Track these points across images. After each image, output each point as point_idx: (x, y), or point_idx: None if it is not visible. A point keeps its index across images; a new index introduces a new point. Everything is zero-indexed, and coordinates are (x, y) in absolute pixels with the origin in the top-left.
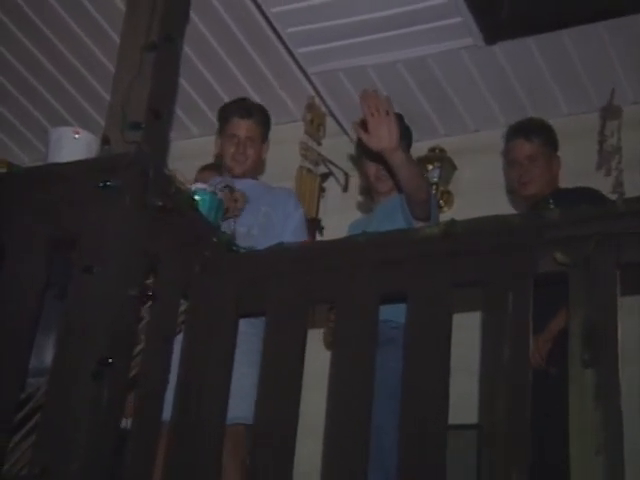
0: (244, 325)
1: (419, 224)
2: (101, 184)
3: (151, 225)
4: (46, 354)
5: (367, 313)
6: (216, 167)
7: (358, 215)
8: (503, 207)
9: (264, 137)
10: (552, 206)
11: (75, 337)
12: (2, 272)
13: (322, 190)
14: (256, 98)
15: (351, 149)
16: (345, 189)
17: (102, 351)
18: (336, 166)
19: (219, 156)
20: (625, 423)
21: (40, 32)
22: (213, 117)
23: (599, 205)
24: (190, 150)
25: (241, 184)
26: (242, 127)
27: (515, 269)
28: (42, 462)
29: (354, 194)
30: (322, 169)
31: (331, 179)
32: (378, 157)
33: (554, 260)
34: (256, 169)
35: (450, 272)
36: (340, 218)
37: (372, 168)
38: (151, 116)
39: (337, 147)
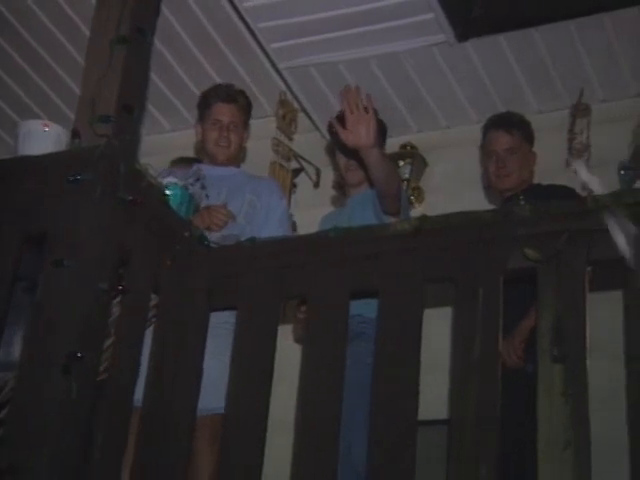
0: (227, 315)
1: (389, 219)
2: (71, 178)
3: (122, 219)
4: (13, 348)
5: (337, 308)
6: (190, 161)
7: (330, 210)
8: (474, 203)
9: (246, 123)
10: (522, 202)
11: (44, 331)
12: None
13: (294, 185)
14: None
15: (323, 145)
16: (317, 184)
17: (72, 345)
18: (308, 162)
19: (200, 144)
20: (592, 418)
21: (9, 24)
22: (184, 111)
23: (569, 202)
24: (162, 145)
25: (224, 172)
26: (226, 112)
27: (485, 265)
28: (9, 457)
29: (326, 189)
30: (294, 164)
31: (302, 174)
32: (352, 152)
33: (524, 256)
34: (238, 157)
35: (421, 268)
36: (312, 214)
37: (342, 159)
38: (122, 110)
39: (309, 143)
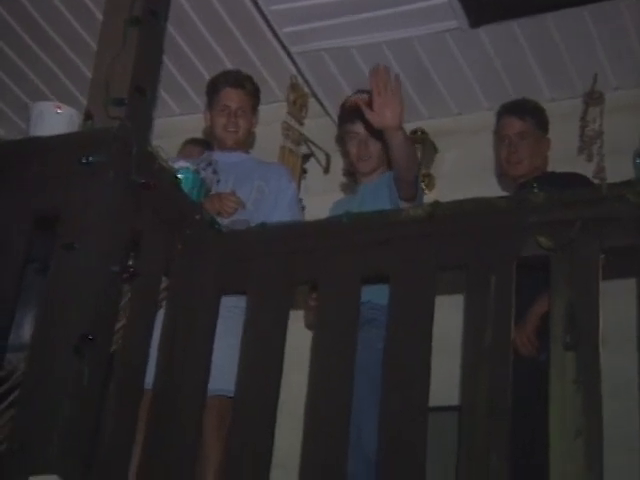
0: (235, 299)
1: (404, 205)
2: (84, 160)
3: (133, 202)
4: (24, 330)
5: (349, 294)
6: (201, 142)
7: (339, 196)
8: (484, 190)
9: (254, 109)
10: (536, 190)
11: (56, 313)
12: None
13: (304, 171)
14: None
15: (333, 130)
16: (326, 170)
17: (83, 327)
18: (318, 147)
19: (209, 130)
20: (604, 407)
21: (20, 6)
22: (194, 95)
23: (583, 189)
24: (172, 128)
25: (233, 157)
26: (234, 97)
27: (498, 252)
28: (21, 438)
29: (335, 176)
30: (304, 150)
31: (312, 160)
32: (378, 133)
33: (537, 244)
34: (247, 142)
35: (433, 254)
36: (321, 199)
37: (354, 148)
38: (135, 92)
39: (319, 128)
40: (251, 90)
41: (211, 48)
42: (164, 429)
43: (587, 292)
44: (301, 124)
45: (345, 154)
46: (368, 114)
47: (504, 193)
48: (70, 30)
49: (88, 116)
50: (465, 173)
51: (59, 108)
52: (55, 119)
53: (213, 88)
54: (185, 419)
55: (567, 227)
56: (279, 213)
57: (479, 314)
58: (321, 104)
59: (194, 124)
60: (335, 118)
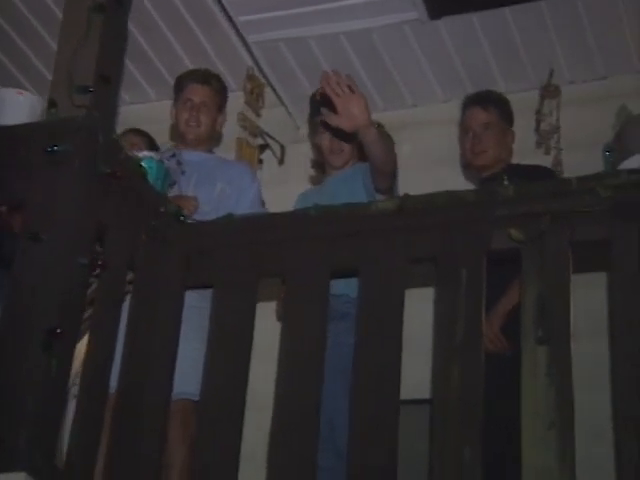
0: (196, 299)
1: (380, 196)
2: (49, 149)
3: (99, 192)
4: None
5: (317, 287)
6: (145, 134)
7: (294, 188)
8: (441, 182)
9: (220, 107)
10: (506, 182)
11: (23, 306)
12: None
13: (260, 162)
14: (193, 66)
15: (288, 121)
16: (281, 161)
17: (51, 321)
18: (273, 138)
19: (174, 126)
20: (575, 398)
21: None
22: (145, 83)
23: (553, 182)
24: (147, 114)
25: (195, 157)
26: (197, 92)
27: (469, 245)
28: None
29: (290, 167)
30: (259, 140)
31: (267, 152)
32: (346, 135)
33: (508, 236)
34: (210, 140)
35: (403, 247)
36: (275, 191)
37: (326, 142)
38: (99, 80)
39: (274, 118)
40: (217, 87)
41: (165, 37)
42: (128, 431)
43: (558, 285)
44: (258, 115)
45: (315, 146)
46: (335, 120)
47: (461, 185)
48: (45, 12)
49: (52, 104)
50: (422, 165)
51: (20, 94)
52: (16, 106)
53: (179, 84)
54: (150, 421)
55: (537, 220)
56: (240, 212)
57: (450, 307)
58: (277, 95)
59: (145, 113)
60: (291, 109)
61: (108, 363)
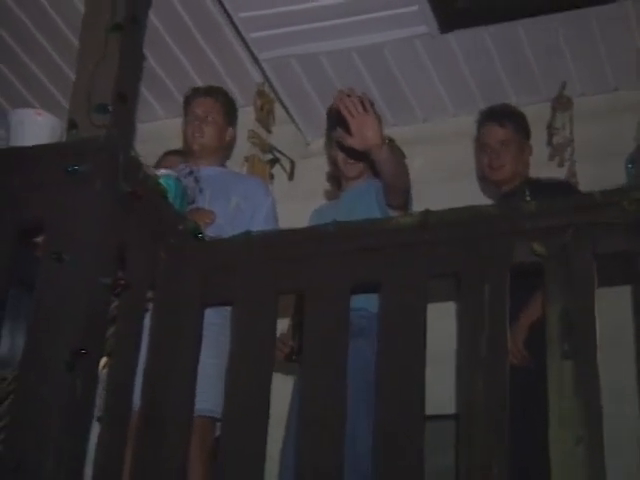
0: (210, 315)
1: (394, 213)
2: (70, 169)
3: (120, 211)
4: (7, 344)
5: (338, 303)
6: (181, 152)
7: (305, 203)
8: (454, 196)
9: (227, 120)
10: (528, 197)
11: (47, 327)
12: None
13: (271, 177)
14: (202, 83)
15: (298, 137)
16: (291, 177)
17: (75, 341)
18: (282, 154)
19: (185, 144)
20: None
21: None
22: (153, 100)
23: (577, 196)
24: (156, 132)
25: (208, 171)
26: (200, 105)
27: (491, 260)
28: (16, 457)
29: (300, 182)
30: (269, 156)
31: (276, 167)
32: (356, 152)
33: (531, 250)
34: (218, 152)
35: (425, 262)
36: (286, 207)
37: (340, 153)
38: (118, 99)
39: (284, 134)
40: (222, 101)
41: (174, 55)
42: (151, 449)
43: (583, 299)
44: (269, 131)
45: (331, 158)
46: (349, 140)
47: (475, 198)
48: (56, 31)
49: (72, 124)
50: (432, 179)
51: (40, 115)
52: (36, 127)
53: (186, 102)
54: (172, 438)
55: (560, 234)
56: (254, 228)
57: (473, 322)
58: (287, 111)
59: (154, 131)
60: (301, 125)
61: (130, 382)
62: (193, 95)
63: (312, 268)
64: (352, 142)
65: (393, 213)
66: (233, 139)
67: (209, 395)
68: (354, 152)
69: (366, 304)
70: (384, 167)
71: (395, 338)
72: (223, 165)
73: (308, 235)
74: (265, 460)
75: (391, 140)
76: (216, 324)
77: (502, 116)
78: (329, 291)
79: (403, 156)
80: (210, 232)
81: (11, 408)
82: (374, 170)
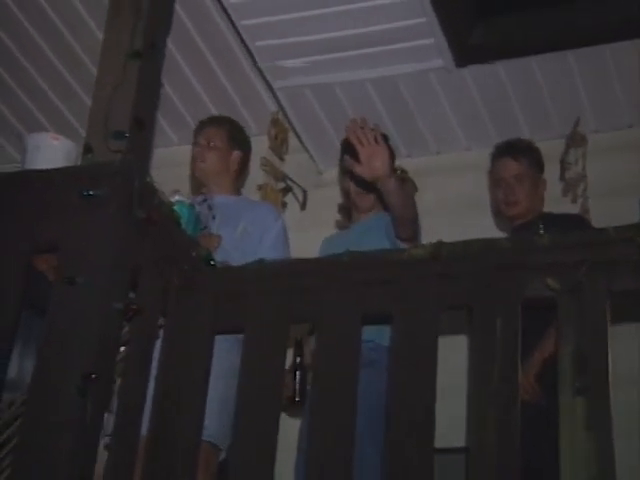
0: (217, 341)
1: (403, 245)
2: (85, 193)
3: (134, 236)
4: (17, 367)
5: (349, 334)
6: None
7: (317, 232)
8: (465, 229)
9: (231, 144)
10: (542, 231)
11: (58, 351)
12: None
13: (283, 205)
14: (216, 110)
15: (311, 166)
16: (303, 206)
17: (87, 366)
18: (295, 183)
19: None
20: (616, 450)
21: (21, 29)
22: (167, 126)
23: (590, 232)
24: (170, 158)
25: (220, 199)
26: (204, 134)
27: (504, 293)
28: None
29: (312, 212)
30: (281, 184)
31: (289, 196)
32: (365, 182)
33: (545, 285)
34: (225, 178)
35: (436, 294)
36: (298, 236)
37: (353, 185)
38: (135, 125)
39: (297, 163)
40: (225, 126)
41: (188, 82)
42: (159, 475)
43: (596, 335)
44: (282, 159)
45: (343, 189)
46: (357, 168)
47: (487, 231)
48: (72, 56)
49: (88, 149)
50: (444, 212)
51: (56, 139)
52: (52, 151)
53: (194, 133)
54: (181, 465)
55: (574, 269)
56: (262, 252)
57: (485, 356)
58: (300, 140)
59: (168, 157)
60: (314, 154)
61: (140, 406)
62: (199, 127)
63: (324, 298)
64: (360, 171)
65: (402, 246)
66: (242, 163)
67: (210, 420)
68: (363, 182)
69: (376, 337)
70: (391, 199)
71: (406, 370)
72: (238, 193)
73: (320, 264)
74: None
75: (403, 171)
76: (222, 348)
77: (517, 150)
78: (340, 321)
79: (415, 188)
80: (217, 257)
81: (20, 431)
82: (384, 202)
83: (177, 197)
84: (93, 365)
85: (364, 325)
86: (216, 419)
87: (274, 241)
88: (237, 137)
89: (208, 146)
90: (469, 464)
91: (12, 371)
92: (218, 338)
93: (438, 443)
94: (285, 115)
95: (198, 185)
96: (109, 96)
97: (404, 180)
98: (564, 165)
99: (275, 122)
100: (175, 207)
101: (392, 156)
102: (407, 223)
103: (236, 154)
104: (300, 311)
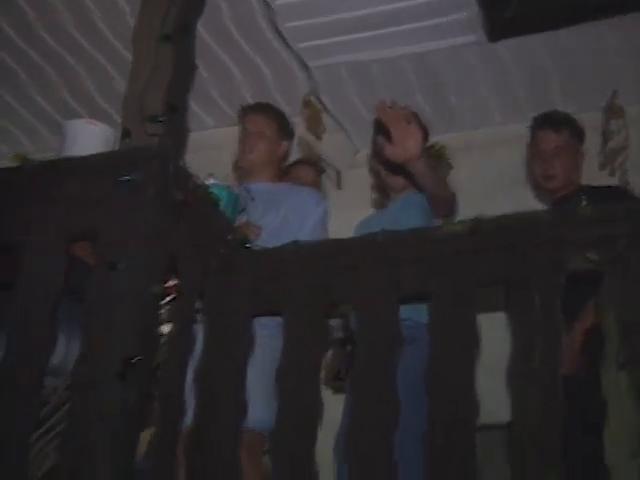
0: (258, 325)
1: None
2: (123, 178)
3: (171, 220)
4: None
5: (386, 312)
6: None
7: (352, 212)
8: (499, 205)
9: (280, 134)
10: (585, 203)
11: (99, 336)
12: (19, 270)
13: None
14: (250, 93)
15: (346, 145)
16: (339, 186)
17: (128, 351)
18: (329, 163)
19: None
20: None
21: (55, 18)
22: (199, 110)
23: (632, 203)
24: (204, 141)
25: (261, 187)
26: (250, 121)
27: (544, 267)
28: (69, 468)
29: (348, 191)
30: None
31: (323, 176)
32: (396, 166)
33: (586, 258)
34: (269, 167)
35: (475, 270)
36: (333, 216)
37: (382, 166)
38: (169, 109)
39: (332, 143)
40: (271, 115)
41: (223, 65)
42: (202, 465)
43: (638, 309)
44: (319, 138)
45: (372, 169)
46: (388, 149)
47: (524, 206)
48: (106, 43)
49: (126, 133)
50: (480, 187)
51: (93, 125)
52: (90, 137)
53: (239, 120)
54: (223, 453)
55: (616, 241)
56: (302, 237)
57: (526, 330)
58: (336, 120)
59: (203, 140)
60: (350, 133)
61: (181, 391)
62: (246, 113)
63: (360, 277)
64: (391, 151)
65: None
66: (287, 153)
67: (255, 408)
68: (392, 164)
69: (413, 314)
70: (421, 180)
71: (446, 347)
72: (278, 180)
73: (357, 244)
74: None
75: (441, 147)
76: (264, 335)
77: (557, 122)
78: (378, 300)
79: (449, 165)
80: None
81: (63, 417)
82: (414, 183)
83: (212, 180)
84: (134, 349)
85: (402, 304)
86: (260, 406)
87: (313, 227)
88: (286, 127)
89: (258, 135)
90: (512, 441)
91: (57, 357)
92: (260, 324)
93: (480, 420)
94: (319, 95)
95: (241, 172)
96: (143, 80)
97: (438, 158)
98: (606, 135)
99: (308, 103)
100: (213, 190)
101: (425, 135)
102: (441, 202)
103: (285, 144)
104: (337, 291)
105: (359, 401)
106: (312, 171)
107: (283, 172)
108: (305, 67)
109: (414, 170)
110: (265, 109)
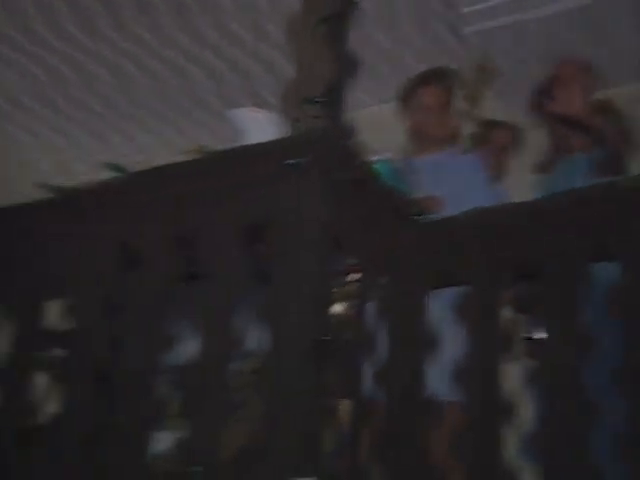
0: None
1: None
2: (290, 162)
3: (340, 200)
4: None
5: (576, 276)
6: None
7: (518, 177)
8: None
9: (452, 103)
10: None
11: (285, 320)
12: (198, 260)
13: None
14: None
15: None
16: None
17: (317, 331)
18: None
19: (409, 130)
20: None
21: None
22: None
23: None
24: (369, 119)
25: (428, 158)
26: (429, 93)
27: None
28: (260, 449)
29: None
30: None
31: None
32: (570, 122)
33: None
34: (443, 139)
35: None
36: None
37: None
38: (333, 89)
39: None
40: (446, 85)
41: (379, 40)
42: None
43: None
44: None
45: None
46: (556, 107)
47: None
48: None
49: (296, 118)
50: None
51: (258, 112)
52: (257, 124)
53: (407, 88)
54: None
55: None
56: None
57: None
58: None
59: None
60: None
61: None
62: (417, 83)
63: (543, 241)
64: (558, 108)
65: None
66: (459, 122)
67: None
68: (566, 121)
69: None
70: (594, 134)
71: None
72: (444, 149)
73: (534, 208)
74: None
75: (611, 102)
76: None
77: None
78: (567, 264)
79: (620, 118)
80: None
81: (253, 400)
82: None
83: (377, 157)
84: (323, 330)
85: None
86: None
87: (485, 194)
88: (452, 95)
89: (437, 107)
90: None
91: (252, 343)
92: (443, 298)
93: None
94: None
95: (416, 145)
96: (306, 64)
97: (610, 113)
98: None
99: (479, 67)
100: (377, 166)
101: (592, 88)
102: (615, 159)
103: (451, 115)
104: (521, 259)
105: (548, 371)
106: (505, 133)
107: (477, 138)
108: (459, 35)
109: (585, 124)
110: (436, 79)
